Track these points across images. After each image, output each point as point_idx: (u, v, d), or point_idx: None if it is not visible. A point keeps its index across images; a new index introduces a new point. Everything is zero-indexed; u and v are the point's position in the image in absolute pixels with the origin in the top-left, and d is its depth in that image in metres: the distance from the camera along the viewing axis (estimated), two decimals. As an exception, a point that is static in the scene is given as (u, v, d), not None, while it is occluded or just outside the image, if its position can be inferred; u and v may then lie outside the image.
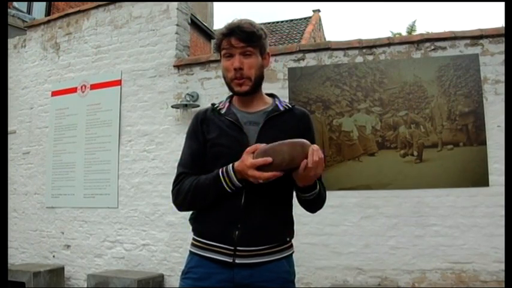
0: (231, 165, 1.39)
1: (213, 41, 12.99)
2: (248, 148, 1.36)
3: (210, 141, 1.49)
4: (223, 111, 1.53)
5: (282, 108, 1.53)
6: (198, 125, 1.54)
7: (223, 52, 1.49)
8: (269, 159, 1.30)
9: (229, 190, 1.40)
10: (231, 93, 1.61)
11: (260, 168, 1.31)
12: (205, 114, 1.56)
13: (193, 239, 1.51)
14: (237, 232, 1.40)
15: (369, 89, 4.14)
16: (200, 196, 1.45)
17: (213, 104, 1.59)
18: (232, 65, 1.46)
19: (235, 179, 1.38)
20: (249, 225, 1.41)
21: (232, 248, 1.41)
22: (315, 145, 1.34)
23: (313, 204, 1.50)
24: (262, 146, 1.35)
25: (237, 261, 1.40)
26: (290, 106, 1.56)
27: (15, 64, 5.80)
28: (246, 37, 1.44)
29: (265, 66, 1.54)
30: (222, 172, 1.40)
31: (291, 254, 1.51)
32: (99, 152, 4.98)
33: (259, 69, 1.50)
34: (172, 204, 1.55)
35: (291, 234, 1.52)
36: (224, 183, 1.39)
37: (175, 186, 1.51)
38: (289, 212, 1.51)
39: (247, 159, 1.34)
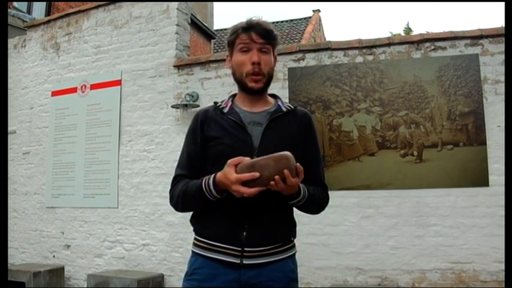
0: (212, 176, 1.37)
1: (213, 41, 12.99)
2: (230, 160, 1.32)
3: (212, 140, 1.47)
4: (225, 110, 1.51)
5: (284, 109, 1.52)
6: (198, 126, 1.51)
7: (239, 46, 1.47)
8: (256, 174, 1.26)
9: (212, 199, 1.38)
10: (232, 93, 1.60)
11: (244, 182, 1.28)
12: (206, 113, 1.53)
13: (196, 239, 1.49)
14: (244, 233, 1.40)
15: (369, 89, 4.14)
16: (189, 202, 1.46)
17: (215, 103, 1.56)
18: (250, 59, 1.44)
19: (214, 191, 1.36)
20: (256, 226, 1.40)
21: (240, 249, 1.40)
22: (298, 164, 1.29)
23: (307, 209, 1.49)
24: (246, 159, 1.31)
25: (244, 261, 1.40)
26: (292, 107, 1.55)
27: (15, 64, 5.80)
28: (266, 33, 1.45)
29: (274, 67, 1.54)
30: (205, 183, 1.38)
31: (294, 253, 1.52)
32: (99, 152, 4.98)
33: (272, 68, 1.51)
34: (172, 205, 1.55)
35: (295, 233, 1.53)
36: (207, 194, 1.38)
37: (171, 189, 1.52)
38: (291, 211, 1.51)
39: (231, 173, 1.29)
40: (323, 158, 4.07)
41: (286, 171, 1.26)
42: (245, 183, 1.28)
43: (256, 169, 1.27)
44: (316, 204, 1.50)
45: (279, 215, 1.44)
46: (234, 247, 1.40)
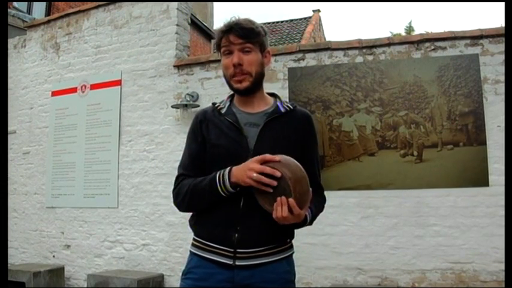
0: (228, 168, 1.38)
1: (213, 41, 12.99)
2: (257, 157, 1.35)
3: (209, 142, 1.48)
4: (223, 111, 1.51)
5: (282, 110, 1.51)
6: (198, 126, 1.52)
7: (222, 50, 1.47)
8: (278, 173, 1.28)
9: (223, 194, 1.38)
10: (231, 93, 1.60)
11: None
12: (205, 114, 1.54)
13: (194, 239, 1.50)
14: (236, 235, 1.40)
15: (369, 89, 4.14)
16: (197, 198, 1.44)
17: (213, 104, 1.57)
18: (231, 62, 1.44)
19: (228, 182, 1.36)
20: (248, 228, 1.40)
21: (232, 250, 1.40)
22: (290, 200, 1.27)
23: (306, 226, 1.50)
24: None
25: (237, 263, 1.40)
26: (291, 107, 1.53)
27: (15, 64, 5.80)
28: (244, 33, 1.43)
29: (266, 64, 1.51)
30: (219, 175, 1.39)
31: (291, 254, 1.51)
32: (99, 152, 4.98)
33: (259, 66, 1.48)
34: (172, 204, 1.56)
35: (291, 234, 1.51)
36: (219, 186, 1.38)
37: (175, 188, 1.51)
38: None
39: (252, 161, 1.34)
40: (323, 158, 4.10)
41: (291, 200, 1.27)
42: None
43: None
44: (315, 219, 1.51)
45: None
46: (227, 248, 1.40)
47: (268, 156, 1.32)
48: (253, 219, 1.40)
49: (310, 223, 1.46)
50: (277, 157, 1.31)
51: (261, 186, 1.30)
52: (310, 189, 1.33)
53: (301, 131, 1.51)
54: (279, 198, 1.28)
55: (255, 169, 1.30)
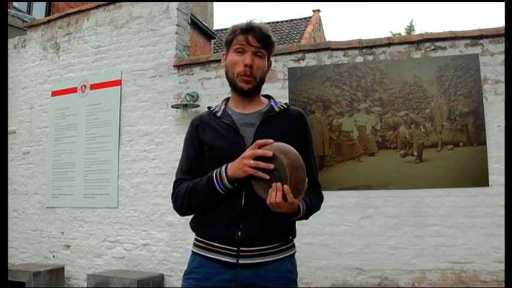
0: (224, 165, 1.40)
1: (213, 41, 12.99)
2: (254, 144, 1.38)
3: (206, 144, 1.50)
4: (219, 114, 1.54)
5: (276, 109, 1.54)
6: (194, 130, 1.55)
7: (235, 46, 1.49)
8: (269, 153, 1.31)
9: (221, 192, 1.39)
10: (226, 97, 1.62)
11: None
12: (201, 118, 1.57)
13: (196, 239, 1.51)
14: (239, 233, 1.40)
15: (369, 89, 4.14)
16: (196, 199, 1.45)
17: (209, 108, 1.60)
18: (243, 61, 1.47)
19: (225, 178, 1.38)
20: (251, 226, 1.40)
21: (235, 248, 1.40)
22: (285, 186, 1.28)
23: (302, 219, 1.50)
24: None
25: (240, 261, 1.40)
26: (285, 106, 1.56)
27: (15, 64, 5.80)
28: (263, 38, 1.47)
29: (267, 72, 1.56)
30: (216, 172, 1.40)
31: (294, 254, 1.51)
32: (99, 152, 4.98)
33: (264, 73, 1.53)
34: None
35: (293, 233, 1.52)
36: (216, 184, 1.39)
37: (173, 192, 1.53)
38: None
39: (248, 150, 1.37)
40: (323, 158, 4.10)
41: (286, 187, 1.28)
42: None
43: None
44: (311, 214, 1.51)
45: (276, 214, 1.42)
46: (230, 247, 1.41)
47: (260, 141, 1.35)
48: (255, 217, 1.40)
49: (305, 217, 1.47)
50: (270, 140, 1.34)
51: (258, 172, 1.31)
52: (307, 179, 1.35)
53: (297, 129, 1.54)
54: (274, 184, 1.29)
55: (249, 155, 1.33)
